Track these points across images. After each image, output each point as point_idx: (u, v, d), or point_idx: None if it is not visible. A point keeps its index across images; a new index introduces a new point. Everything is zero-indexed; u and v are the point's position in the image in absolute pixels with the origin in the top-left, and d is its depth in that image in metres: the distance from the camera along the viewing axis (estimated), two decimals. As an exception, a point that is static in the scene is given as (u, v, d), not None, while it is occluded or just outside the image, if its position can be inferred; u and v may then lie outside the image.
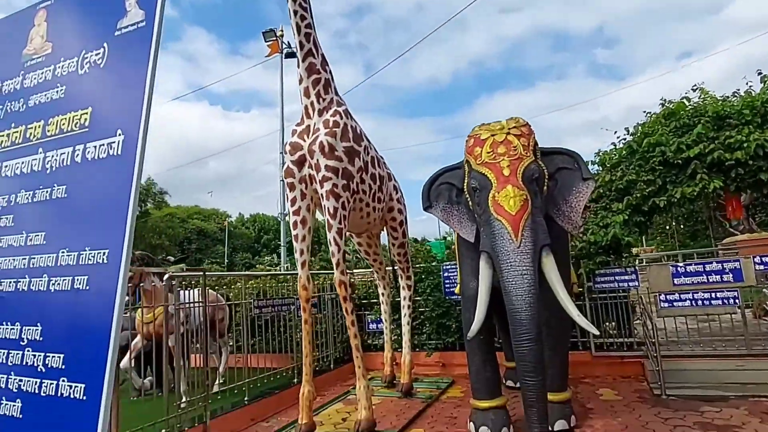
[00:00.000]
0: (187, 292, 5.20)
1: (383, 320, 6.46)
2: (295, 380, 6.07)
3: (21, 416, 1.89)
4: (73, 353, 1.84)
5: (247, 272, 7.70)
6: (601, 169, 7.51)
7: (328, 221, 4.47)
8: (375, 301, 7.72)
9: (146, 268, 4.96)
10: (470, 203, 3.97)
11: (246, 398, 5.25)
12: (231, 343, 6.85)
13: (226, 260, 34.53)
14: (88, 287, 1.89)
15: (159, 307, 5.09)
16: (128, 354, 5.87)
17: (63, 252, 1.98)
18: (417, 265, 7.33)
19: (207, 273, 4.86)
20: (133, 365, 5.91)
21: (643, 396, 5.04)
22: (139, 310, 5.78)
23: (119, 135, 1.98)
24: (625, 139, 7.46)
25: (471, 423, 4.21)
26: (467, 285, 4.30)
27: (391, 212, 5.91)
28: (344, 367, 7.16)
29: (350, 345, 4.52)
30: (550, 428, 3.80)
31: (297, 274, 4.65)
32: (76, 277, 1.92)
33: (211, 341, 6.88)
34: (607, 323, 6.30)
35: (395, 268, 6.39)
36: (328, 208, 4.43)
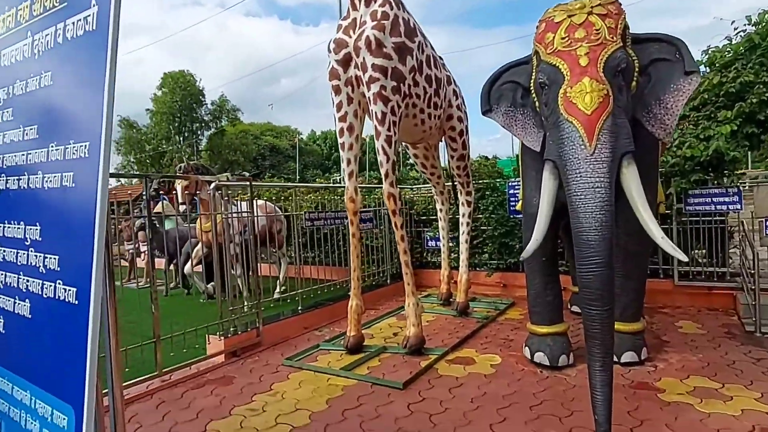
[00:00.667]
0: (243, 203, 5.18)
1: (441, 237, 6.16)
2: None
3: (30, 317, 1.82)
4: (66, 255, 1.70)
5: (299, 184, 7.59)
6: (708, 70, 6.25)
7: (376, 128, 4.06)
8: (435, 217, 7.40)
9: (201, 177, 4.94)
10: (537, 104, 3.35)
11: (300, 307, 5.32)
12: (292, 254, 6.97)
13: (297, 177, 35.54)
14: (74, 184, 1.69)
15: (217, 216, 5.13)
16: (190, 260, 6.16)
17: (52, 146, 1.79)
18: (480, 181, 6.81)
19: (254, 183, 4.74)
20: (195, 271, 6.22)
21: (732, 332, 4.43)
22: (200, 218, 5.92)
23: (93, 6, 1.66)
24: (744, 30, 6.07)
25: (526, 348, 3.92)
26: (529, 201, 3.80)
27: (450, 121, 5.35)
28: (400, 283, 7.04)
29: None
30: (615, 360, 3.42)
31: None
32: (64, 174, 1.73)
33: (271, 252, 7.04)
34: (696, 250, 5.54)
35: (455, 183, 5.94)
36: (375, 113, 4.00)
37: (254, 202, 5.10)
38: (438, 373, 3.79)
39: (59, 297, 1.69)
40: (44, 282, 1.77)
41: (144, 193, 3.57)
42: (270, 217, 6.37)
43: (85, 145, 1.65)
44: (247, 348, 4.44)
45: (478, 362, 4.01)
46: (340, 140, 4.35)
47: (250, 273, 4.83)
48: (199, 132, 36.60)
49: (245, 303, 4.77)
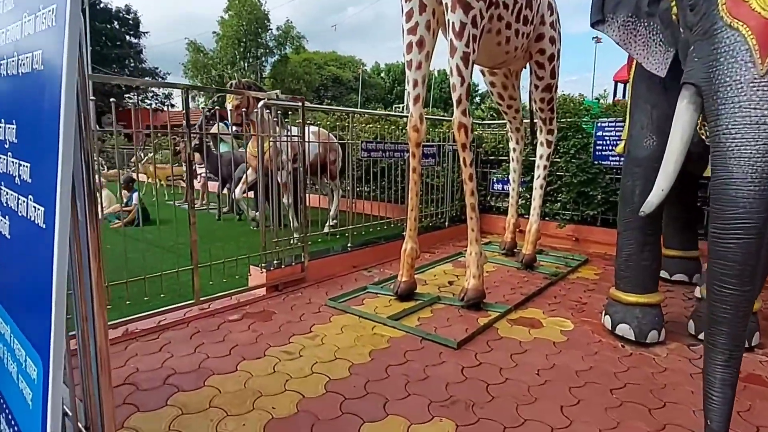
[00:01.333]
0: (294, 129, 4.71)
1: (510, 180, 5.47)
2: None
3: (9, 237, 1.47)
4: (36, 164, 1.29)
5: (356, 109, 7.01)
6: None
7: (452, 42, 3.37)
8: (503, 158, 6.66)
9: (252, 93, 4.47)
10: (672, 12, 2.52)
11: (349, 244, 4.95)
12: (346, 187, 6.56)
13: (359, 109, 34.76)
14: (42, 66, 1.24)
15: (266, 139, 4.72)
16: (240, 185, 5.89)
17: (25, 16, 1.34)
18: (561, 120, 5.92)
19: (307, 106, 4.23)
20: (246, 197, 5.97)
21: None
22: (251, 141, 5.57)
23: None
24: None
25: (607, 316, 3.32)
26: (639, 142, 3.04)
27: (540, 42, 4.48)
28: (460, 227, 6.52)
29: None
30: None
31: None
32: (34, 53, 1.28)
33: (324, 183, 6.66)
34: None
35: (533, 119, 5.15)
36: (453, 24, 3.29)
37: (307, 127, 4.64)
38: (498, 334, 3.31)
39: (30, 217, 1.30)
40: (19, 196, 1.39)
41: (183, 106, 3.19)
42: (324, 145, 5.91)
43: (52, 9, 1.18)
44: (290, 283, 4.16)
45: (546, 326, 3.48)
46: (407, 57, 3.69)
47: (299, 204, 4.45)
48: (263, 58, 36.25)
49: (292, 235, 4.44)
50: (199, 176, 9.19)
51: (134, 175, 8.15)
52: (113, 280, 3.17)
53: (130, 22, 34.38)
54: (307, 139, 4.31)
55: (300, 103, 4.15)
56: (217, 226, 7.48)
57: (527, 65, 4.81)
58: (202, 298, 3.52)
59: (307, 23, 74.71)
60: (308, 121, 4.99)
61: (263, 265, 3.98)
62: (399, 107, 22.61)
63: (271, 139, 4.14)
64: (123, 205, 5.25)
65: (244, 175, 5.73)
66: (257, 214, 5.91)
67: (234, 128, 5.09)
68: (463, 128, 3.51)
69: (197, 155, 8.16)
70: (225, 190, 7.79)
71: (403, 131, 6.34)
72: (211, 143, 7.63)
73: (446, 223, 6.37)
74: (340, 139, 6.38)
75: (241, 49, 34.29)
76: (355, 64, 43.80)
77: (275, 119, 4.07)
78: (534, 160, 5.12)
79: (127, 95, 32.14)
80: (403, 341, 3.15)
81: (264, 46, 35.82)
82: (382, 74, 50.07)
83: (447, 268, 5.00)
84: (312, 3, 79.94)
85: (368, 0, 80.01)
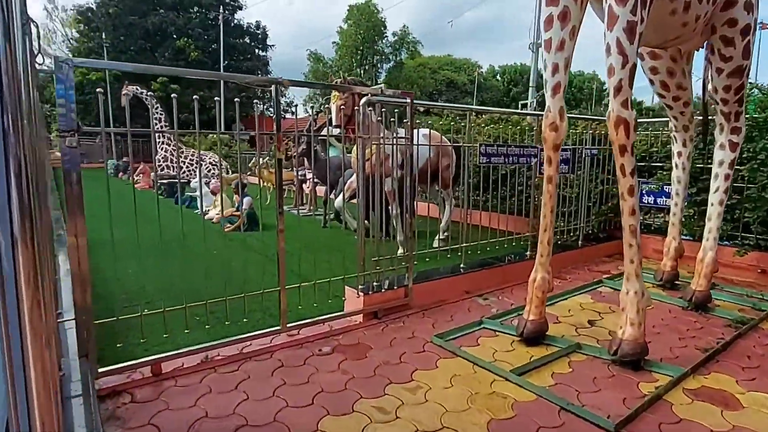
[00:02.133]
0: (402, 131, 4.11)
1: (673, 192, 4.29)
2: (528, 253, 4.73)
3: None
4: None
5: (473, 106, 6.22)
6: None
7: (611, 9, 2.53)
8: (656, 164, 5.40)
9: (358, 88, 3.98)
10: None
11: (462, 265, 4.21)
12: (460, 196, 5.83)
13: (477, 106, 33.58)
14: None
15: (370, 143, 4.20)
16: (342, 193, 5.47)
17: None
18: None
19: (416, 102, 3.59)
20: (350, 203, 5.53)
21: None
22: (355, 145, 5.11)
23: None
24: None
25: None
26: None
27: (731, 8, 3.34)
28: (596, 247, 5.41)
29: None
30: None
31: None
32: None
33: (435, 191, 6.00)
34: None
35: (707, 115, 3.96)
36: (614, -16, 2.42)
37: (418, 129, 4.01)
38: (674, 414, 2.33)
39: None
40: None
41: (273, 104, 2.77)
42: (436, 149, 5.25)
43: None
44: (391, 310, 3.55)
45: (747, 407, 2.41)
46: (544, 35, 2.88)
47: (405, 215, 3.84)
48: (378, 65, 36.89)
49: (395, 252, 3.84)
50: (307, 181, 9.13)
51: (250, 179, 8.29)
52: (193, 300, 2.83)
53: (259, 36, 37.22)
54: (416, 142, 3.69)
55: (408, 99, 3.54)
56: (321, 234, 7.23)
57: (704, 43, 3.67)
58: (289, 324, 3.06)
59: (423, 28, 75.03)
60: (420, 124, 4.37)
61: (361, 287, 3.43)
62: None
63: (375, 142, 3.59)
64: (235, 209, 5.10)
65: (348, 182, 5.29)
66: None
67: (335, 130, 4.67)
68: (623, 125, 2.61)
69: (305, 160, 8.04)
70: (332, 196, 7.52)
71: (528, 132, 5.42)
72: (319, 147, 7.41)
73: (579, 242, 5.30)
74: (454, 142, 5.67)
75: (358, 57, 35.26)
76: (471, 66, 42.62)
77: (379, 119, 3.52)
78: (705, 167, 3.91)
79: (255, 101, 34.84)
80: (534, 409, 2.35)
81: (380, 53, 36.45)
82: (497, 76, 48.14)
83: (584, 301, 4.01)
84: (428, 8, 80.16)
85: (485, 3, 77.92)
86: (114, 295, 3.95)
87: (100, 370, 2.41)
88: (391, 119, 3.57)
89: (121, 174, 17.89)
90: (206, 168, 12.65)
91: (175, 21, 32.02)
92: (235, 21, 35.53)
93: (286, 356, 2.88)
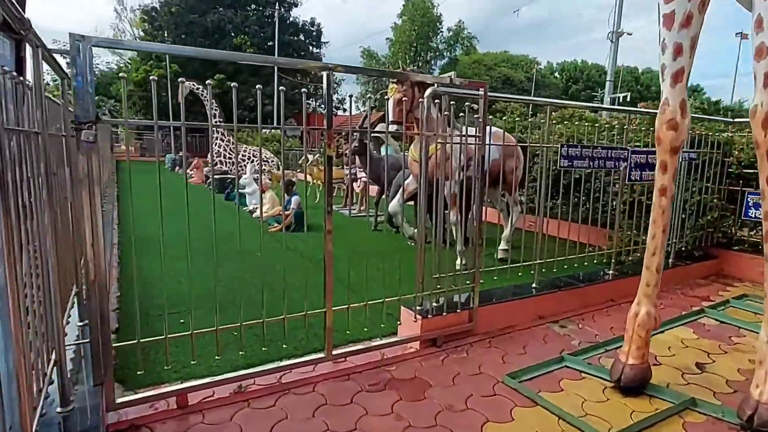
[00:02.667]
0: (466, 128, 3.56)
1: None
2: (610, 271, 4.08)
3: None
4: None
5: (553, 100, 5.56)
6: None
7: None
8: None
9: (419, 76, 3.45)
10: None
11: (534, 284, 3.62)
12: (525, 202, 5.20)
13: (529, 111, 32.17)
14: None
15: (434, 141, 3.68)
16: (398, 196, 4.99)
17: None
18: None
19: (491, 95, 3.02)
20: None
21: None
22: (414, 143, 4.61)
23: None
24: None
25: None
26: None
27: None
28: (690, 267, 4.64)
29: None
30: None
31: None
32: None
33: (500, 197, 5.40)
34: None
35: None
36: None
37: (486, 124, 3.46)
38: None
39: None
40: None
41: (324, 95, 2.34)
42: (502, 149, 4.65)
43: None
44: (452, 336, 3.04)
45: None
46: (665, 8, 2.28)
47: (470, 224, 3.32)
48: (432, 62, 36.15)
49: (457, 268, 3.32)
50: (359, 180, 8.74)
51: (299, 176, 8.00)
52: (229, 316, 2.43)
53: (314, 33, 37.40)
54: (488, 142, 3.15)
55: (481, 91, 3.00)
56: (371, 237, 6.80)
57: None
58: (335, 352, 2.63)
59: (479, 24, 73.21)
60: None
61: (418, 308, 2.94)
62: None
63: (439, 140, 3.08)
64: (283, 208, 4.75)
65: (404, 185, 4.81)
66: (415, 231, 4.96)
67: (392, 127, 4.18)
68: (774, 122, 1.97)
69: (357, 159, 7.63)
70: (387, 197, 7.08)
71: (610, 131, 4.71)
72: (372, 145, 6.97)
73: (670, 261, 4.54)
74: (520, 141, 5.06)
75: (412, 53, 34.68)
76: (528, 63, 40.96)
77: (447, 113, 3.00)
78: None
79: (307, 101, 35.08)
80: (649, 496, 1.78)
81: (434, 50, 35.69)
82: (556, 73, 46.07)
83: (686, 336, 3.33)
84: (484, 3, 78.09)
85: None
86: (152, 300, 3.67)
87: (118, 400, 2.07)
88: (461, 114, 3.06)
89: (177, 168, 18.33)
90: (257, 164, 12.57)
91: (233, 19, 32.69)
92: (291, 18, 35.89)
93: (330, 390, 2.45)
